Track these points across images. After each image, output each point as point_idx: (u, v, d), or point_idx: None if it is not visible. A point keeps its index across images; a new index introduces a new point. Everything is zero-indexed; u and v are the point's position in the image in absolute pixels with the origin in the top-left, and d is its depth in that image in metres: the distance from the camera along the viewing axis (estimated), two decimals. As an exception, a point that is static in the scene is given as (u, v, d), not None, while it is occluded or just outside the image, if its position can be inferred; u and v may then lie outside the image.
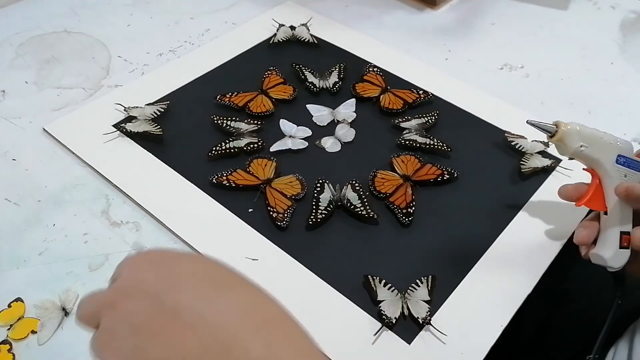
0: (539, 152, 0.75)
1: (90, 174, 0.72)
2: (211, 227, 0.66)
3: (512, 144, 0.76)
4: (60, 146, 0.75)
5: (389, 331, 0.58)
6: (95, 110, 0.79)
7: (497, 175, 0.74)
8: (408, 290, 0.60)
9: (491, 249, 0.66)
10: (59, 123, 0.77)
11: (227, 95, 0.81)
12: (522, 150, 0.75)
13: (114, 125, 0.76)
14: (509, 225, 0.68)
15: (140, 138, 0.75)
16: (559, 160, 0.75)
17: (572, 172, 0.73)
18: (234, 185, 0.69)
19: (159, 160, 0.73)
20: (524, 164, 0.73)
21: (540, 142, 0.76)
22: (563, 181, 0.72)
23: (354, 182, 0.70)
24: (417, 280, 0.61)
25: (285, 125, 0.78)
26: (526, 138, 0.77)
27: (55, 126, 0.77)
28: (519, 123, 0.80)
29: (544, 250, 0.66)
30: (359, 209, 0.67)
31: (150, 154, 0.73)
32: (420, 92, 0.83)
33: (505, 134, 0.77)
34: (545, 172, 0.74)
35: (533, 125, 0.59)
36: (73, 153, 0.74)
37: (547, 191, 0.72)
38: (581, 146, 0.57)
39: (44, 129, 0.76)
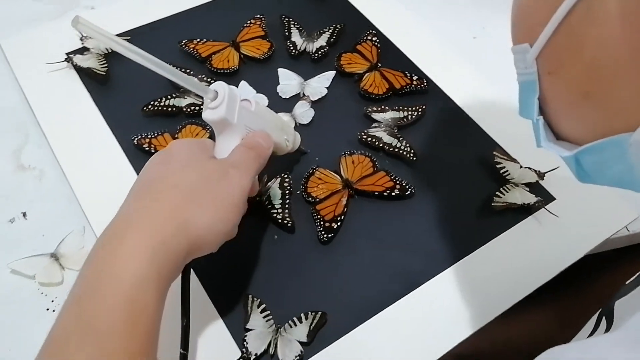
0: (526, 184, 0.61)
1: (21, 104, 0.67)
2: (113, 194, 0.59)
3: (498, 166, 0.62)
4: (7, 65, 0.70)
5: (247, 366, 0.50)
6: (55, 32, 0.73)
7: (462, 202, 0.60)
8: (285, 325, 0.51)
9: (412, 295, 0.54)
10: (16, 41, 0.72)
11: (194, 42, 0.71)
12: (507, 177, 0.61)
13: (67, 53, 0.70)
14: (446, 270, 0.56)
15: (86, 75, 0.68)
16: (549, 200, 0.60)
17: (559, 219, 0.59)
18: (153, 151, 0.62)
19: (95, 106, 0.66)
20: (497, 197, 0.59)
21: (535, 171, 0.61)
22: (545, 226, 0.59)
23: (285, 176, 0.60)
24: (302, 315, 0.52)
25: (243, 88, 0.68)
26: (518, 162, 0.62)
27: (10, 43, 0.72)
28: (522, 138, 0.66)
29: (474, 313, 0.54)
30: (275, 212, 0.57)
31: (90, 97, 0.67)
32: (415, 77, 0.69)
33: (495, 152, 0.63)
34: (526, 211, 0.60)
35: None
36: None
37: (518, 235, 0.58)
38: None
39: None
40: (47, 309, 0.52)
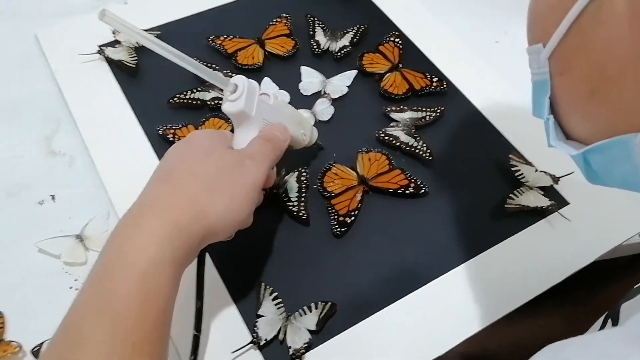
0: (540, 187, 0.61)
1: (54, 93, 0.70)
2: (137, 181, 0.62)
3: (513, 169, 0.62)
4: (42, 55, 0.73)
5: (258, 351, 0.52)
6: (89, 25, 0.75)
7: (476, 203, 0.61)
8: (295, 313, 0.53)
9: (421, 290, 0.55)
10: (51, 32, 0.75)
11: (221, 38, 0.73)
12: (522, 179, 0.62)
13: (99, 46, 0.73)
14: (456, 268, 0.57)
15: (116, 67, 0.71)
16: (563, 204, 0.61)
17: (571, 224, 0.59)
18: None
19: (124, 97, 0.69)
20: (511, 199, 0.60)
21: (550, 175, 0.62)
22: (558, 230, 0.60)
23: (302, 170, 0.62)
24: (313, 304, 0.53)
25: (266, 85, 0.70)
26: (533, 166, 0.63)
27: (46, 34, 0.75)
28: (539, 142, 0.66)
29: (482, 311, 0.54)
30: (290, 204, 0.59)
31: (119, 88, 0.69)
32: (435, 79, 0.70)
33: (510, 155, 0.63)
34: (539, 214, 0.60)
35: None
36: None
37: (530, 237, 0.59)
38: None
39: (36, 36, 0.75)
40: (70, 287, 0.55)
